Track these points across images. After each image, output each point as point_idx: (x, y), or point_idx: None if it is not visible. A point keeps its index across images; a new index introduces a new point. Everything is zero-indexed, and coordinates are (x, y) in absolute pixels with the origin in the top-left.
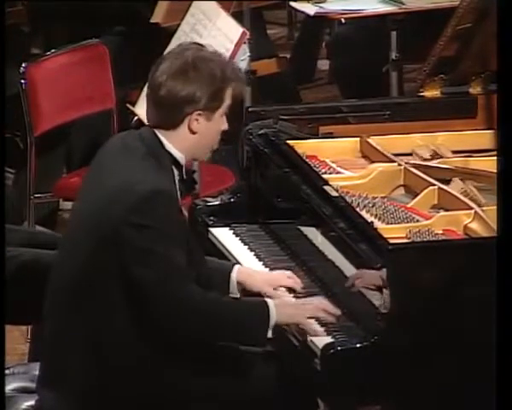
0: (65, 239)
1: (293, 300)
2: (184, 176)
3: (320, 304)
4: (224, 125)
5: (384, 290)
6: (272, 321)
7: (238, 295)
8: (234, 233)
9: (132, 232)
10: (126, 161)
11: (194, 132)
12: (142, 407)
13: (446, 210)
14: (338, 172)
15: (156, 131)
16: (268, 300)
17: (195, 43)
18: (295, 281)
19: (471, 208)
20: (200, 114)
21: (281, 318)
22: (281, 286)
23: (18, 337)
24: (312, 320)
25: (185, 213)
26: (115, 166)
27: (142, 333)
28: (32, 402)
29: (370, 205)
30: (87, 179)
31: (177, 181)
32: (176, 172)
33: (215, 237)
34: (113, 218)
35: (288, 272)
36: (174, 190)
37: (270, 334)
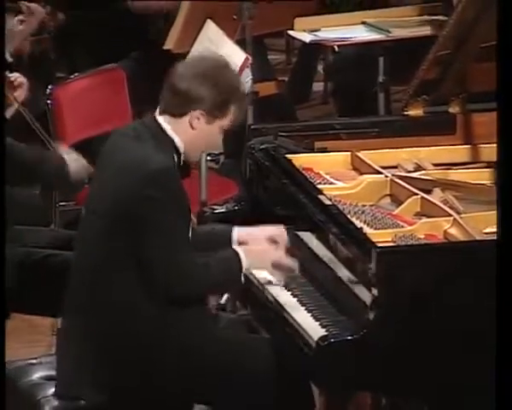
0: (79, 233)
1: (288, 296)
2: (182, 162)
3: (278, 253)
4: (219, 143)
5: (372, 289)
6: (244, 266)
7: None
8: None
9: (145, 204)
10: (135, 143)
11: (193, 128)
12: (149, 361)
13: (428, 217)
14: (331, 183)
15: (160, 119)
16: (237, 248)
17: (222, 57)
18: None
19: (450, 215)
20: (202, 114)
21: (252, 262)
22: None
23: (44, 330)
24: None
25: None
26: (126, 147)
27: (150, 294)
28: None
29: (360, 212)
30: (100, 163)
31: (176, 164)
32: (175, 158)
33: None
34: (128, 192)
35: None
36: (177, 169)
37: (242, 279)
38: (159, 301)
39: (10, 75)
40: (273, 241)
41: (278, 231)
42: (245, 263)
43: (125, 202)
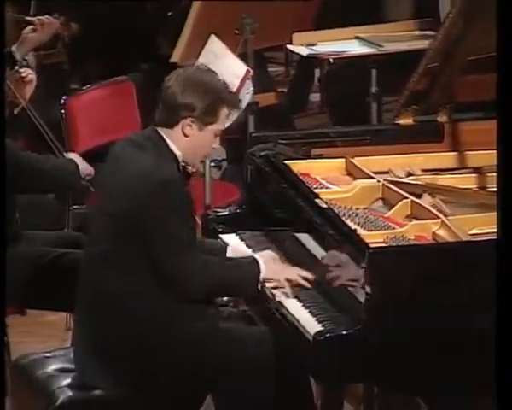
0: (89, 235)
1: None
2: (180, 170)
3: (298, 270)
4: (216, 144)
5: (366, 287)
6: (262, 274)
7: None
8: (240, 238)
9: (151, 213)
10: (140, 153)
11: (186, 135)
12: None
13: (418, 219)
14: (327, 188)
15: (158, 130)
16: (257, 256)
17: (204, 65)
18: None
19: (438, 218)
20: (193, 121)
21: (267, 272)
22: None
23: (58, 325)
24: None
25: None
26: (132, 156)
27: (161, 291)
28: (70, 380)
29: (354, 215)
30: (107, 168)
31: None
32: (175, 165)
33: (224, 241)
34: (134, 201)
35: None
36: (181, 177)
37: (259, 286)
38: (166, 297)
39: (22, 70)
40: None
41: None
42: (263, 273)
43: (132, 211)
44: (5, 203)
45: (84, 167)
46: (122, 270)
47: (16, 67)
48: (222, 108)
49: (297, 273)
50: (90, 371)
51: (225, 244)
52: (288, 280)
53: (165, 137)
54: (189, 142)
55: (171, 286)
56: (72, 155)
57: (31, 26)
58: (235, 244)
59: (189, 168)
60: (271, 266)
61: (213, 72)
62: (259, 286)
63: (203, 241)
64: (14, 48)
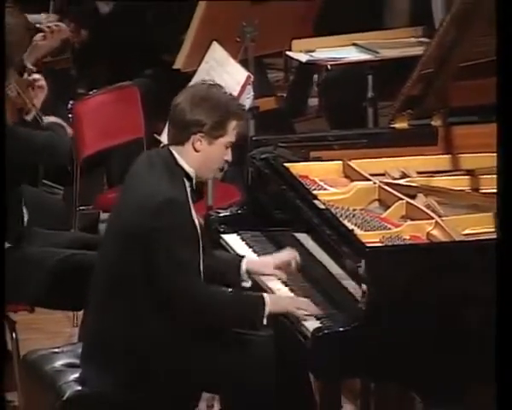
0: (104, 239)
1: (287, 293)
2: (194, 186)
3: (304, 303)
4: (228, 156)
5: (362, 285)
6: (267, 311)
7: (247, 281)
8: (241, 238)
9: (152, 233)
10: (149, 175)
11: (197, 151)
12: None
13: (412, 220)
14: (325, 189)
15: (171, 149)
16: (264, 294)
17: (211, 81)
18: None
19: (432, 219)
20: (202, 136)
21: (274, 308)
22: (278, 262)
23: (65, 322)
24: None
25: (200, 219)
26: (141, 179)
27: (162, 314)
28: (76, 375)
29: (351, 215)
30: (122, 190)
31: (188, 191)
32: (187, 183)
33: (225, 241)
34: (138, 222)
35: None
36: (185, 198)
37: (265, 321)
38: (164, 314)
39: (35, 77)
40: (281, 267)
41: (291, 255)
42: (268, 309)
43: (136, 230)
44: (5, 203)
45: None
46: (126, 283)
47: (25, 75)
48: (230, 122)
49: (306, 303)
50: (91, 370)
51: (240, 257)
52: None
53: (176, 155)
54: (200, 156)
55: (170, 304)
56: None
57: (41, 34)
58: (250, 258)
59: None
60: (278, 302)
61: (220, 86)
62: (265, 321)
63: (219, 254)
64: (24, 55)
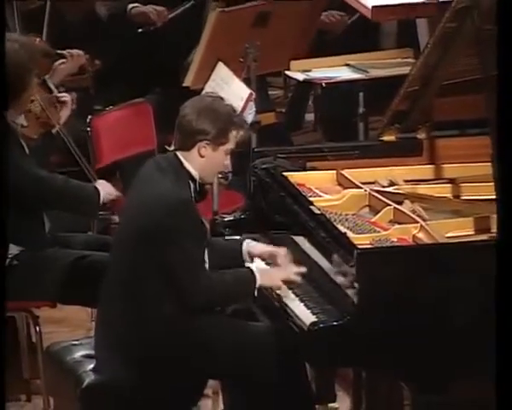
0: (114, 240)
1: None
2: (198, 188)
3: (290, 268)
4: (227, 163)
5: (354, 283)
6: (258, 284)
7: (249, 261)
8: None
9: (165, 232)
10: (160, 178)
11: (202, 156)
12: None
13: (400, 224)
14: (320, 196)
15: (178, 153)
16: (252, 266)
17: (216, 94)
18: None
19: (418, 223)
20: (207, 143)
21: (263, 280)
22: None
23: (85, 317)
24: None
25: (206, 223)
26: (152, 181)
27: (173, 302)
28: (93, 365)
29: (344, 220)
30: (131, 193)
31: (192, 192)
32: (192, 185)
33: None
34: (151, 222)
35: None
36: (192, 199)
37: (256, 292)
38: (174, 304)
39: (59, 94)
40: (273, 256)
41: (280, 251)
42: (258, 281)
43: (148, 229)
44: (6, 203)
45: (108, 192)
46: (139, 279)
47: (53, 94)
48: (232, 131)
49: (290, 272)
50: (106, 360)
51: (241, 240)
52: (284, 281)
53: (182, 159)
54: (204, 161)
55: (184, 299)
56: (100, 182)
57: (62, 60)
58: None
59: (208, 187)
60: (266, 274)
61: (222, 98)
62: (256, 293)
63: (218, 242)
64: (47, 76)
